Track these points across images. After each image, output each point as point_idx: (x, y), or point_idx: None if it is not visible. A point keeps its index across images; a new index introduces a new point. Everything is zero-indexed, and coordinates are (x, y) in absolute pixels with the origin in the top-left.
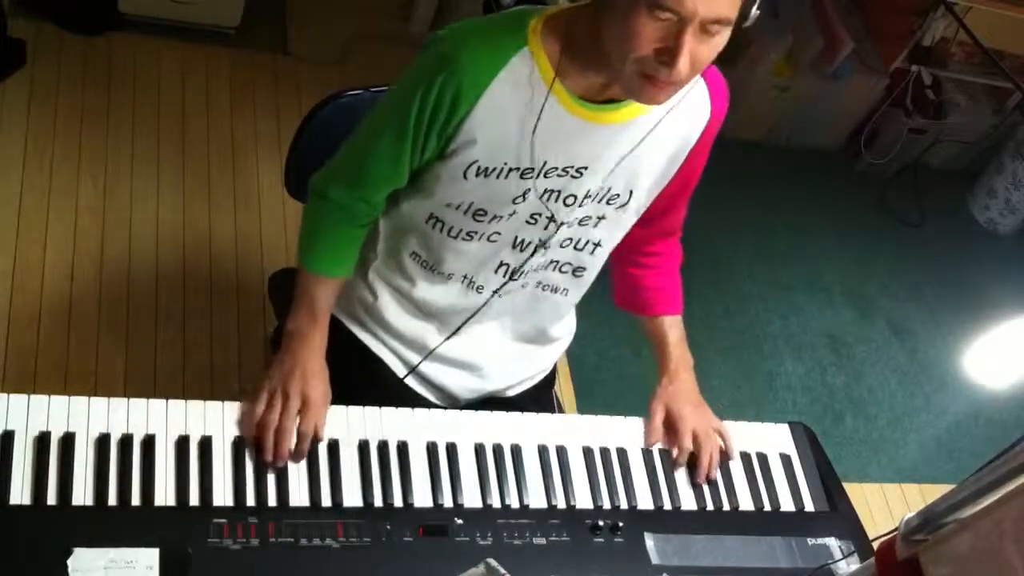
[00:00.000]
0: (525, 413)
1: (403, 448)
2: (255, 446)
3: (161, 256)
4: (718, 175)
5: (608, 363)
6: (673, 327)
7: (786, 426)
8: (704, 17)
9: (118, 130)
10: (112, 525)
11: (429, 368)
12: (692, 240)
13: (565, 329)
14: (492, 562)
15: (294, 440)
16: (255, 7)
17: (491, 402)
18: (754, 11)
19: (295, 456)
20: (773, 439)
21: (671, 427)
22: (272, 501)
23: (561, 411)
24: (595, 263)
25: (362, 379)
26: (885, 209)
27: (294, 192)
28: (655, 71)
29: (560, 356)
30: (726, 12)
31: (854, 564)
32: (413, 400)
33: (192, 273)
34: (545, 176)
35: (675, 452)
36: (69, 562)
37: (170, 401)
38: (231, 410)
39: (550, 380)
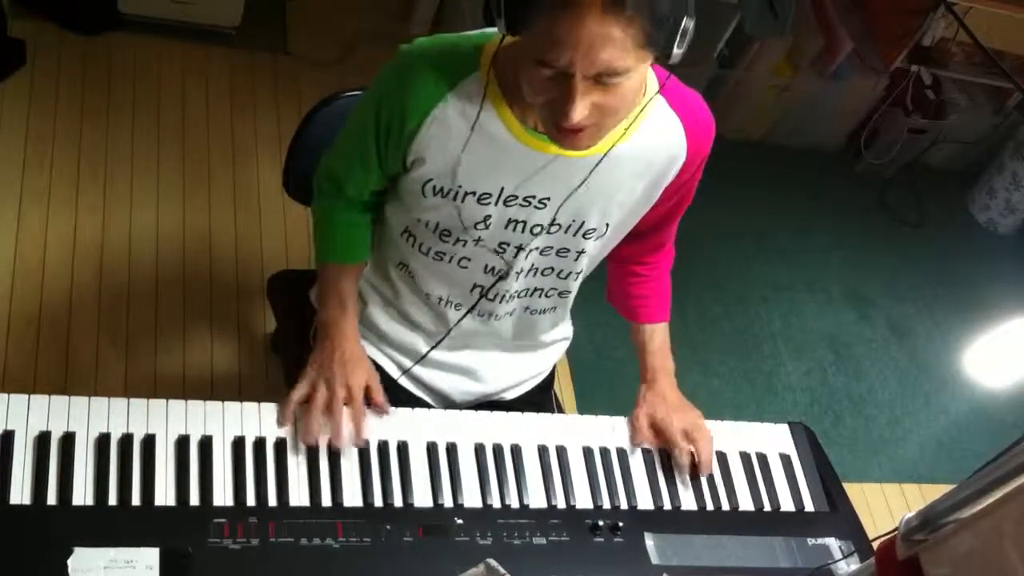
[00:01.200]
0: (525, 413)
1: (403, 448)
2: (302, 437)
3: (161, 256)
4: (718, 175)
5: (608, 363)
6: (655, 334)
7: (786, 426)
8: (586, 73)
9: (118, 130)
10: (112, 525)
11: (423, 372)
12: (692, 240)
13: (560, 334)
14: (492, 562)
15: (349, 426)
16: (255, 7)
17: (489, 405)
18: (676, 50)
19: (356, 440)
20: (773, 439)
21: (659, 433)
22: (272, 501)
23: (561, 411)
24: (576, 285)
25: None
26: (885, 209)
27: (293, 192)
28: (557, 119)
29: (559, 357)
30: (612, 64)
31: (854, 564)
32: (409, 402)
33: (192, 273)
34: (505, 204)
35: (675, 454)
36: (69, 562)
37: (170, 401)
38: (231, 410)
39: (549, 382)
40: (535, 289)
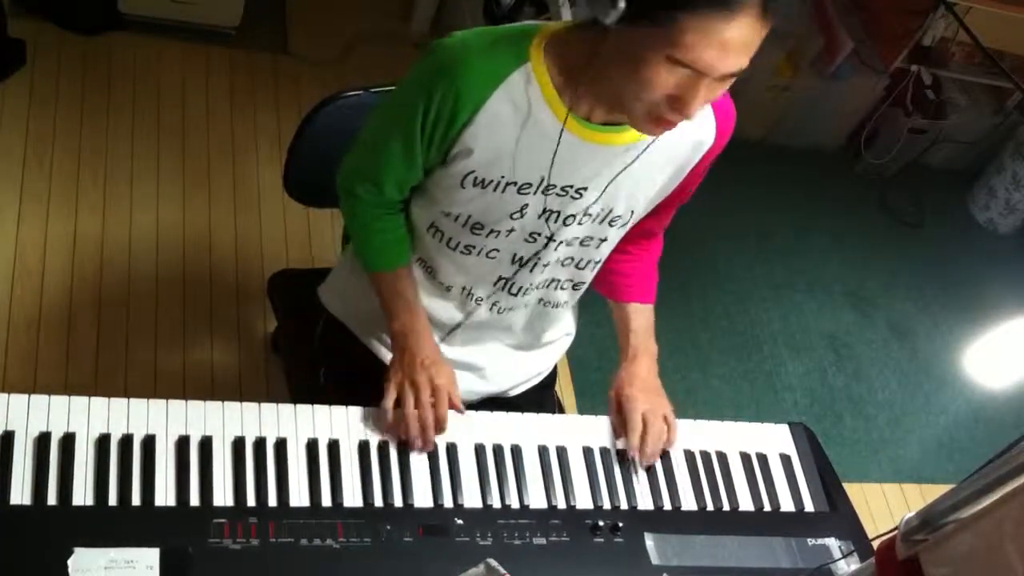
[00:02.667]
0: (525, 413)
1: (403, 448)
2: (399, 442)
3: (161, 256)
4: (718, 175)
5: (608, 363)
6: (640, 315)
7: (786, 426)
8: (721, 73)
9: (118, 130)
10: (112, 525)
11: None
12: (693, 240)
13: (564, 331)
14: (492, 562)
15: (432, 425)
16: (255, 7)
17: (492, 402)
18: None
19: (438, 434)
20: (773, 439)
21: (620, 409)
22: (272, 501)
23: (561, 411)
24: (591, 275)
25: (364, 380)
26: (885, 209)
27: (293, 192)
28: (665, 113)
29: (561, 355)
30: (742, 65)
31: (854, 564)
32: None
33: (192, 273)
34: (544, 193)
35: (621, 433)
36: (69, 562)
37: (170, 401)
38: (231, 410)
39: (550, 380)
40: (553, 280)
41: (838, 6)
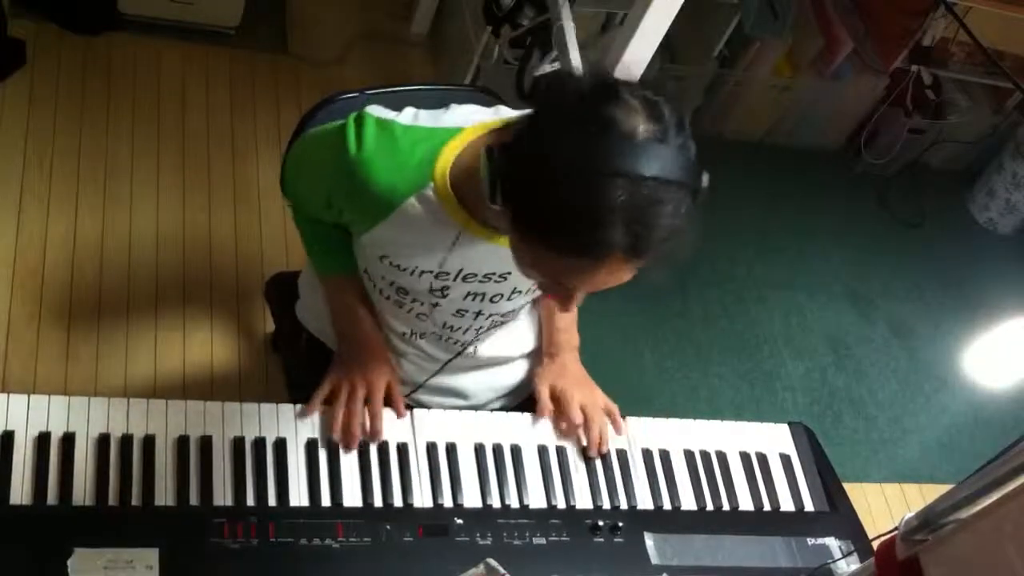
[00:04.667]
0: (525, 413)
1: (403, 448)
2: (335, 438)
3: (161, 256)
4: (718, 175)
5: (608, 363)
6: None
7: (786, 426)
8: (596, 290)
9: (118, 130)
10: (112, 525)
11: (414, 395)
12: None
13: (530, 339)
14: (492, 562)
15: (366, 422)
16: (255, 7)
17: None
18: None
19: (372, 436)
20: (773, 439)
21: (557, 404)
22: (272, 501)
23: None
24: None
25: None
26: (885, 209)
27: None
28: (553, 297)
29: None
30: (619, 282)
31: (854, 564)
32: None
33: (192, 273)
34: (464, 280)
35: (563, 425)
36: (69, 562)
37: (170, 401)
38: (231, 410)
39: None
40: (500, 323)
41: (838, 6)
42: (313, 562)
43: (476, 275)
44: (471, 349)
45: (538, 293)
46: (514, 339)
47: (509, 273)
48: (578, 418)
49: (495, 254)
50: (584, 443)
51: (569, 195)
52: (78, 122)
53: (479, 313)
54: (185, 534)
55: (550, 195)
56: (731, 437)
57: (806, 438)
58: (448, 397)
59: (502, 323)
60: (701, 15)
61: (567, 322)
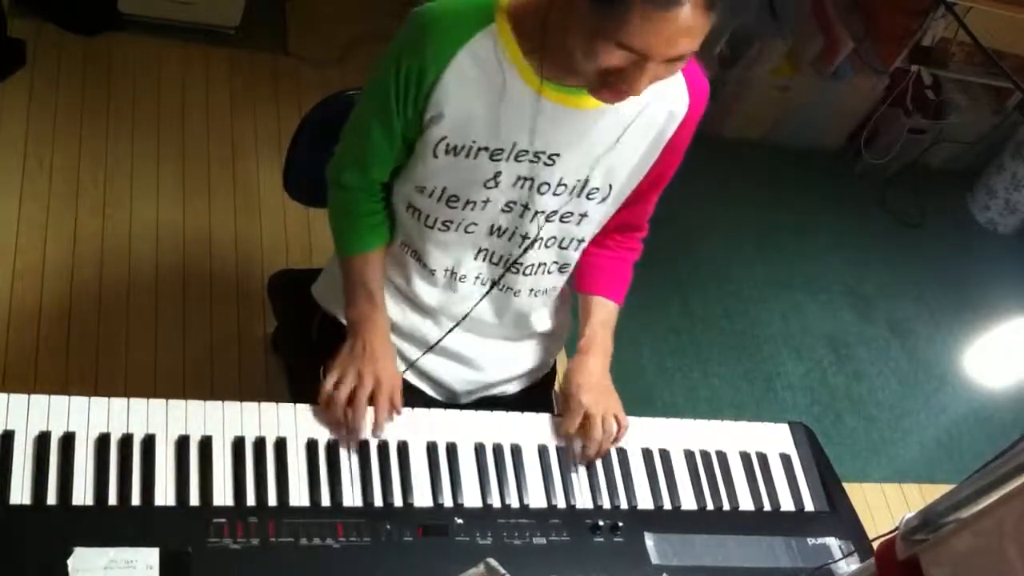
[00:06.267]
0: (525, 413)
1: (403, 448)
2: (332, 424)
3: (161, 256)
4: (718, 175)
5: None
6: (603, 309)
7: (786, 426)
8: (666, 56)
9: (118, 130)
10: (112, 525)
11: (427, 362)
12: (691, 240)
13: (554, 321)
14: (492, 562)
15: (368, 415)
16: (255, 7)
17: (491, 403)
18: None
19: (375, 429)
20: (773, 439)
21: (566, 403)
22: (272, 501)
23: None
24: (576, 256)
25: None
26: (885, 209)
27: (292, 193)
28: (614, 84)
29: (560, 353)
30: (688, 49)
31: (854, 564)
32: (411, 394)
33: (192, 273)
34: (516, 159)
35: (580, 439)
36: (69, 562)
37: (170, 401)
38: (231, 410)
39: (550, 378)
40: (539, 264)
41: (838, 6)
42: (313, 562)
43: (527, 152)
44: (513, 272)
45: (587, 234)
46: (537, 311)
47: (558, 155)
48: (599, 438)
49: (544, 119)
50: (591, 452)
51: None
52: (78, 122)
53: (525, 208)
54: (185, 534)
55: None
56: (731, 437)
57: (806, 438)
58: (461, 364)
59: (540, 265)
60: None
61: (603, 320)
